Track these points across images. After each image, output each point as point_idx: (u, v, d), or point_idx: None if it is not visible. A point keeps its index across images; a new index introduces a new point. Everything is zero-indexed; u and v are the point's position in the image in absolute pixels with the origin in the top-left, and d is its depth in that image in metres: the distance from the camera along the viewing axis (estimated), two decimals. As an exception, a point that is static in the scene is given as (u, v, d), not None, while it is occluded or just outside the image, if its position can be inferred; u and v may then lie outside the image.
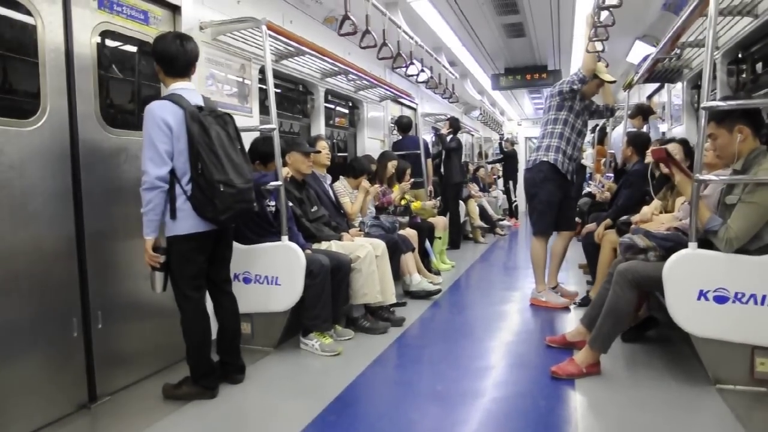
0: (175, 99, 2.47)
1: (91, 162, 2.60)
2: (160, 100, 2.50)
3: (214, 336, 2.78)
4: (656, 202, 3.54)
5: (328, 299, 3.28)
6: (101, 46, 2.69)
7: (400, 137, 6.67)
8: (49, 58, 2.40)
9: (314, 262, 3.20)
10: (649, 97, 7.06)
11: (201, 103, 2.56)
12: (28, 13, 2.32)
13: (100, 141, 2.66)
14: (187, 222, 2.50)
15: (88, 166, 2.58)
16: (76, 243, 2.54)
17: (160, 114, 2.41)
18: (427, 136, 7.36)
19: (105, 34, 2.71)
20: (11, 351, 2.23)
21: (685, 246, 2.57)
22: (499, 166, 11.99)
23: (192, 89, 2.59)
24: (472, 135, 11.38)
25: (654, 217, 3.32)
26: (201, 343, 2.64)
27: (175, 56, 2.51)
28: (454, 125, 7.24)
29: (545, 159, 4.06)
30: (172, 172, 2.46)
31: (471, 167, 10.10)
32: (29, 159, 2.30)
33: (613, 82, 4.21)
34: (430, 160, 6.74)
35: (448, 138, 7.07)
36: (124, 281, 2.82)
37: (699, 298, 2.51)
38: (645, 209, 3.47)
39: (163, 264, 2.52)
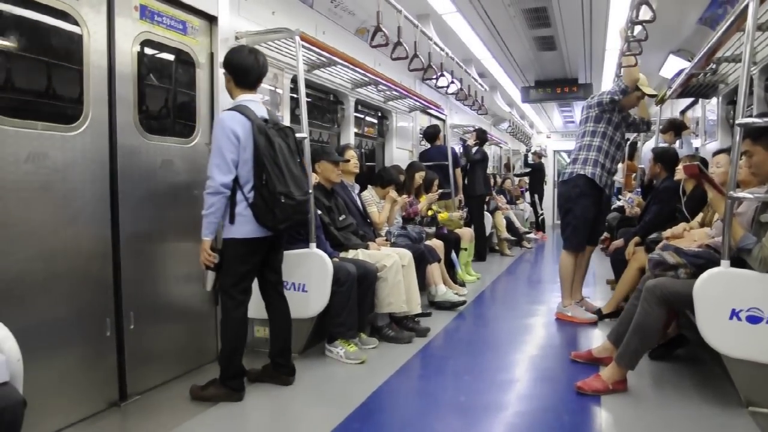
0: (244, 110, 2.59)
1: (128, 167, 2.68)
2: (229, 110, 2.62)
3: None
4: (695, 220, 3.48)
5: (354, 307, 3.31)
6: (141, 55, 2.78)
7: (428, 147, 6.68)
8: (93, 66, 2.49)
9: (341, 270, 3.23)
10: (683, 112, 6.96)
11: (266, 115, 2.68)
12: (75, 23, 2.42)
13: (137, 147, 2.74)
14: (246, 227, 2.61)
15: (125, 170, 2.66)
16: (112, 246, 2.62)
17: (230, 125, 2.54)
18: (456, 146, 7.35)
19: (145, 44, 2.80)
20: (49, 348, 2.30)
21: (717, 264, 2.52)
22: (525, 179, 11.90)
23: (258, 101, 2.72)
24: (501, 147, 11.34)
25: (686, 234, 3.27)
26: (237, 344, 2.71)
27: (250, 69, 2.67)
28: (481, 137, 7.23)
29: (582, 172, 3.96)
30: (236, 179, 2.58)
31: (498, 179, 10.06)
32: (71, 163, 2.39)
33: (655, 96, 4.15)
34: (459, 170, 6.72)
35: (474, 149, 7.06)
36: (156, 284, 2.89)
37: (731, 318, 2.46)
38: (680, 225, 3.42)
39: (217, 264, 2.63)
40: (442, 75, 5.60)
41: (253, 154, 2.56)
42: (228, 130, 2.54)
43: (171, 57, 3.03)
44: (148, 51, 2.85)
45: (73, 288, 2.42)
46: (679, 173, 3.79)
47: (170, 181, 2.95)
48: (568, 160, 4.21)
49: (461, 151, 7.37)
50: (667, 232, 3.38)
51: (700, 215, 3.49)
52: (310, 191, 3.18)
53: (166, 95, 3.09)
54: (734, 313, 2.45)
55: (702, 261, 2.66)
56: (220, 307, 2.73)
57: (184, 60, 3.07)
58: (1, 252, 2.07)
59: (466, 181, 7.13)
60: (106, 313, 2.59)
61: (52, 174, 2.31)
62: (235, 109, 2.61)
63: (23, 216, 2.20)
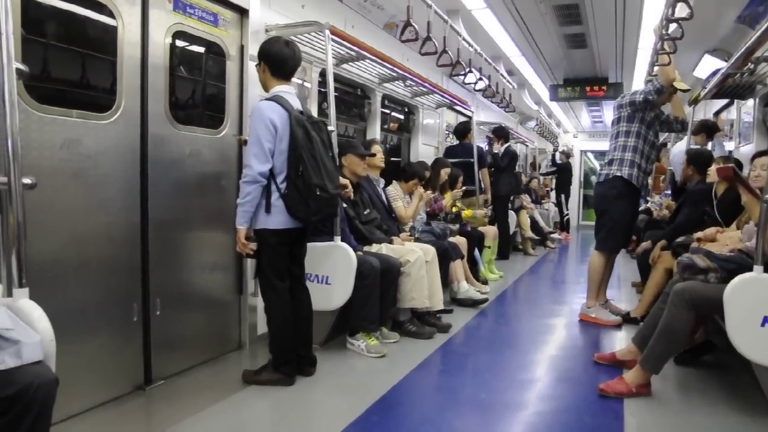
0: (281, 101, 2.61)
1: (158, 156, 2.73)
2: (266, 100, 2.65)
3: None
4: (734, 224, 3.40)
5: (376, 301, 3.32)
6: (173, 47, 2.82)
7: (454, 143, 6.65)
8: (127, 57, 2.54)
9: (365, 264, 3.23)
10: (717, 113, 6.80)
11: (300, 108, 2.70)
12: (111, 14, 2.47)
13: (167, 136, 2.79)
14: (278, 218, 2.64)
15: (155, 159, 2.70)
16: (141, 233, 2.67)
17: (268, 114, 2.57)
18: (481, 144, 7.28)
19: (177, 35, 2.84)
20: (79, 331, 2.36)
21: (750, 269, 2.45)
22: (549, 178, 11.76)
23: (293, 93, 2.74)
24: (527, 146, 11.23)
25: (719, 236, 3.19)
26: (285, 330, 2.75)
27: (287, 59, 2.70)
28: (500, 134, 7.14)
29: (619, 174, 3.90)
30: (270, 169, 2.60)
31: (524, 178, 9.96)
32: (104, 150, 2.44)
33: (687, 90, 4.06)
34: (485, 170, 6.67)
35: (501, 154, 7.00)
36: (183, 271, 2.94)
37: (763, 325, 2.37)
38: (712, 228, 3.34)
39: (256, 252, 2.67)
40: (470, 71, 5.56)
41: (290, 146, 2.58)
42: (266, 119, 2.56)
43: (202, 49, 3.07)
44: (180, 42, 2.89)
45: (103, 273, 2.47)
46: (712, 175, 3.70)
47: (199, 170, 2.99)
48: (604, 161, 4.14)
49: (487, 148, 7.31)
50: (698, 234, 3.31)
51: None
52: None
53: (197, 86, 3.13)
54: (766, 321, 2.38)
55: (734, 266, 2.60)
56: (263, 298, 2.77)
57: (215, 52, 3.11)
58: (36, 235, 2.12)
59: (492, 179, 7.07)
60: (134, 299, 2.64)
61: (85, 161, 2.36)
62: (272, 99, 2.64)
63: (57, 201, 2.26)
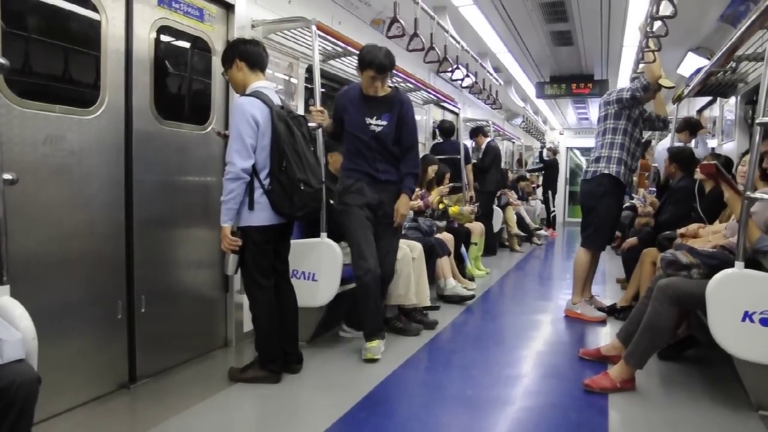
0: (262, 96, 2.61)
1: (143, 152, 2.70)
2: (247, 96, 2.63)
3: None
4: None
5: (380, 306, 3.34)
6: (158, 42, 2.79)
7: (441, 141, 6.67)
8: (111, 51, 2.51)
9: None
10: (700, 111, 6.88)
11: (280, 103, 2.70)
12: (95, 9, 2.44)
13: (152, 132, 2.76)
14: (262, 214, 2.63)
15: (140, 155, 2.68)
16: (125, 229, 2.64)
17: (250, 110, 2.56)
18: (467, 142, 7.31)
19: (162, 30, 2.81)
20: (62, 329, 2.33)
21: (732, 265, 2.49)
22: (535, 175, 11.82)
23: (272, 88, 2.74)
24: (513, 142, 11.27)
25: (701, 231, 3.23)
26: (270, 328, 2.74)
27: (259, 51, 2.72)
28: (478, 131, 7.17)
29: (606, 171, 3.92)
30: (253, 165, 2.59)
31: (511, 175, 9.98)
32: (87, 146, 2.41)
33: (673, 87, 4.11)
34: (470, 166, 6.70)
35: (483, 148, 7.03)
36: (168, 268, 2.92)
37: (744, 320, 2.42)
38: (694, 224, 3.38)
39: (240, 249, 2.65)
40: (457, 68, 5.57)
41: (273, 141, 2.58)
42: (248, 114, 2.55)
43: (187, 44, 3.04)
44: (165, 38, 2.86)
45: (87, 270, 2.45)
46: (698, 173, 3.74)
47: (184, 167, 2.97)
48: (590, 158, 4.16)
49: (473, 145, 7.33)
50: (681, 230, 3.35)
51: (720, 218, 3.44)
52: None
53: (182, 82, 3.10)
54: (747, 315, 2.41)
55: (716, 261, 2.63)
56: (247, 295, 2.76)
57: (201, 47, 3.08)
58: (18, 232, 2.09)
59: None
60: (118, 296, 2.62)
61: (68, 157, 2.33)
62: (252, 94, 2.63)
63: (40, 197, 2.23)
